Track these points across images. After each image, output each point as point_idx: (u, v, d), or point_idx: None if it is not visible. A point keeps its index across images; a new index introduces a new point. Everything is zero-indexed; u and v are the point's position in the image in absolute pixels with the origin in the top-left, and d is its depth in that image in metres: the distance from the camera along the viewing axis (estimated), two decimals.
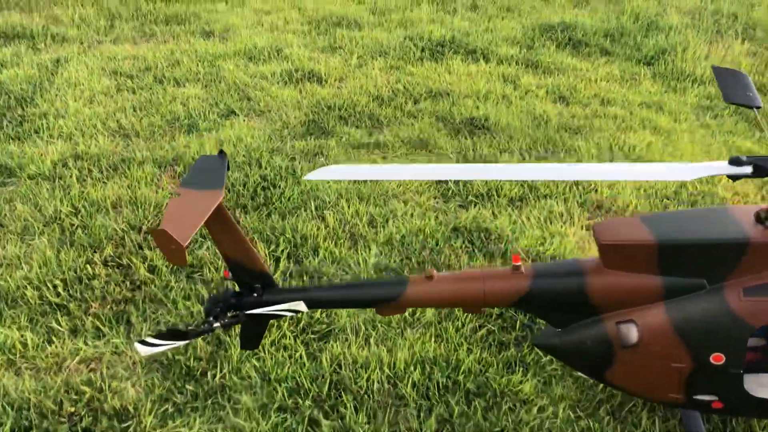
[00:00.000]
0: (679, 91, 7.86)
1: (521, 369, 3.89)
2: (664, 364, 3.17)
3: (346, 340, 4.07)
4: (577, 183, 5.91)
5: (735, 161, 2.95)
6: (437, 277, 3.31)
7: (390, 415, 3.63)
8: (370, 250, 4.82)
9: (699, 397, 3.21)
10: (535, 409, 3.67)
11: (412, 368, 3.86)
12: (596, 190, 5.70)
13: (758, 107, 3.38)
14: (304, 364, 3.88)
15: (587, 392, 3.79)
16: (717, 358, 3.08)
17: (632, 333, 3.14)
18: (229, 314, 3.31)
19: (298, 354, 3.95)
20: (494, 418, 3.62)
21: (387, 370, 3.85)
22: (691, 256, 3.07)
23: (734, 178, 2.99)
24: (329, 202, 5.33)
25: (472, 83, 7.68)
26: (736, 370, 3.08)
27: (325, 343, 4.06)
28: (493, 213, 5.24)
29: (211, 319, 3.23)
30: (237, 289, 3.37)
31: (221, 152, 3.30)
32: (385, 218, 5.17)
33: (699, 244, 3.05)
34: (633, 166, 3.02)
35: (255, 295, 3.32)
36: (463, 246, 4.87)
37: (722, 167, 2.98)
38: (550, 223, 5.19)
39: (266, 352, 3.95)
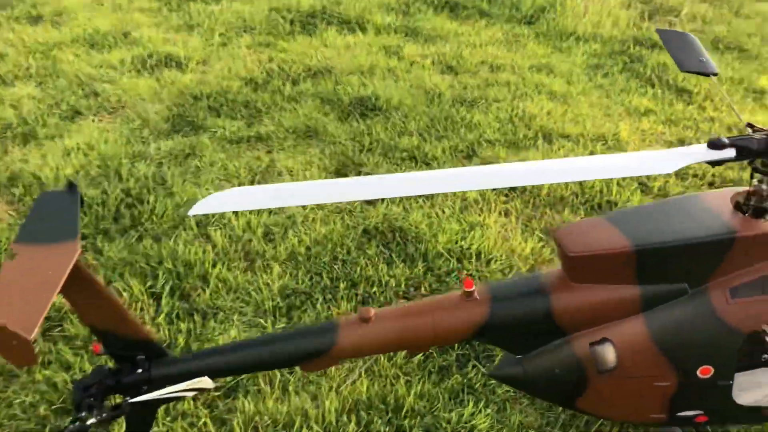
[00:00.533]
0: (566, 51, 7.56)
1: (471, 398, 3.33)
2: (645, 385, 2.72)
3: (259, 392, 3.33)
4: (470, 157, 5.43)
5: (715, 144, 2.47)
6: (374, 317, 2.65)
7: None
8: (271, 270, 4.05)
9: (683, 413, 2.79)
10: None
11: (345, 418, 3.19)
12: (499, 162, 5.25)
13: (715, 74, 2.94)
14: None
15: (547, 414, 3.30)
16: (705, 371, 2.66)
17: (609, 355, 2.64)
18: (108, 400, 2.52)
19: (201, 422, 3.16)
20: None
21: (316, 426, 3.15)
22: (672, 260, 2.61)
23: (715, 164, 2.53)
24: (213, 215, 4.48)
25: (353, 57, 6.97)
26: (726, 382, 2.68)
27: (234, 400, 3.30)
28: (404, 208, 4.62)
29: (84, 414, 2.40)
30: (114, 365, 2.56)
31: (71, 184, 2.44)
32: (283, 228, 4.40)
33: (680, 246, 2.58)
34: (602, 160, 2.51)
35: (140, 370, 2.53)
36: (379, 252, 4.22)
37: (701, 153, 2.49)
38: (467, 212, 4.66)
39: (160, 424, 3.14)
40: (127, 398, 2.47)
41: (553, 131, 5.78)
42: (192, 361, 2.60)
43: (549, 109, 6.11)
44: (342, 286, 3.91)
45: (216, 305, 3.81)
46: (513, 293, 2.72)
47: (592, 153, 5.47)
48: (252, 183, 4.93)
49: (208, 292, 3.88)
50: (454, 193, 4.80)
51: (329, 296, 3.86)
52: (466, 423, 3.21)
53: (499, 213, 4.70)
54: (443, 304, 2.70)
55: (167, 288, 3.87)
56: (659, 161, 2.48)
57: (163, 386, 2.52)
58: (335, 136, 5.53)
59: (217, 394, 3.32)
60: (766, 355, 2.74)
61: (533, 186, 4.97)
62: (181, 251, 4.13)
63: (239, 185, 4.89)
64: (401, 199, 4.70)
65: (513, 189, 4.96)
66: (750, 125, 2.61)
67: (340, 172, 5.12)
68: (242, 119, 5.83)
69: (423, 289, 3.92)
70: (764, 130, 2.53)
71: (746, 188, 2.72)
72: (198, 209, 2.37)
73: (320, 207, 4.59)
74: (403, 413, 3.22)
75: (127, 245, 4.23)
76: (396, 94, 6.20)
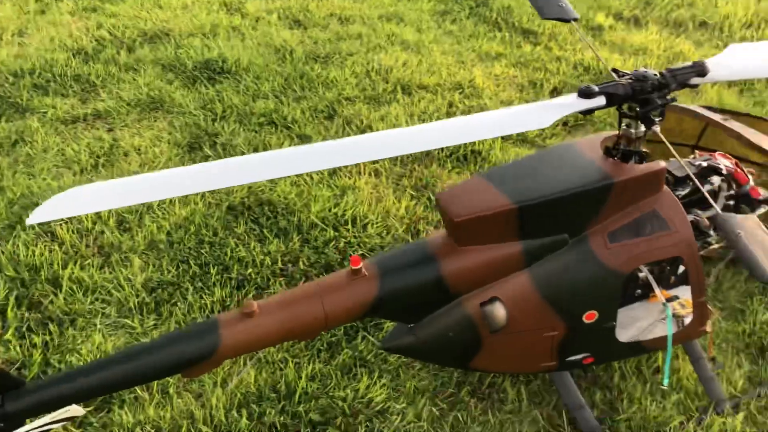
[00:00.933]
0: None
1: (364, 371, 3.24)
2: (535, 336, 2.76)
3: (137, 400, 3.03)
4: (332, 117, 5.25)
5: (585, 93, 2.47)
6: (259, 309, 2.46)
7: None
8: (131, 263, 3.69)
9: (571, 358, 2.86)
10: (394, 419, 3.06)
11: (236, 414, 2.99)
12: (362, 121, 5.13)
13: (576, 19, 2.94)
14: None
15: (441, 375, 3.27)
16: (590, 317, 2.74)
17: (499, 313, 2.63)
18: None
19: None
20: None
21: (204, 428, 2.93)
22: (551, 213, 2.62)
23: (587, 112, 2.53)
24: None
25: (192, 18, 6.46)
26: (609, 323, 2.77)
27: (109, 413, 2.98)
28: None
29: None
30: None
31: None
32: (138, 214, 4.02)
33: (558, 198, 2.59)
34: (477, 119, 2.42)
35: None
36: (249, 229, 3.97)
37: (573, 103, 2.49)
38: (336, 176, 4.49)
39: None
40: None
41: (411, 83, 5.69)
42: (54, 386, 2.29)
43: (404, 60, 6.01)
44: (213, 271, 3.64)
45: (73, 310, 3.41)
46: (401, 264, 2.63)
47: (451, 103, 5.45)
48: (95, 167, 4.46)
49: (61, 296, 3.46)
50: None
51: (200, 284, 3.58)
52: (362, 398, 3.11)
53: (369, 174, 4.57)
54: (331, 285, 2.56)
55: (11, 299, 3.41)
56: (534, 115, 2.43)
57: (22, 423, 2.22)
58: (183, 106, 5.12)
59: (88, 409, 2.99)
60: (639, 290, 2.85)
61: None
62: (23, 254, 3.65)
63: (81, 171, 4.40)
64: None
65: None
66: (615, 70, 2.62)
67: (193, 146, 4.75)
68: (75, 96, 5.24)
69: (301, 263, 3.74)
70: (629, 74, 2.55)
71: (615, 133, 2.76)
72: (40, 216, 2.04)
73: None
74: (296, 398, 3.06)
75: None
76: (244, 54, 5.83)
